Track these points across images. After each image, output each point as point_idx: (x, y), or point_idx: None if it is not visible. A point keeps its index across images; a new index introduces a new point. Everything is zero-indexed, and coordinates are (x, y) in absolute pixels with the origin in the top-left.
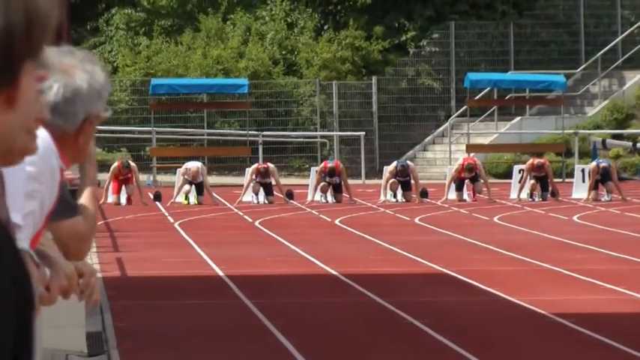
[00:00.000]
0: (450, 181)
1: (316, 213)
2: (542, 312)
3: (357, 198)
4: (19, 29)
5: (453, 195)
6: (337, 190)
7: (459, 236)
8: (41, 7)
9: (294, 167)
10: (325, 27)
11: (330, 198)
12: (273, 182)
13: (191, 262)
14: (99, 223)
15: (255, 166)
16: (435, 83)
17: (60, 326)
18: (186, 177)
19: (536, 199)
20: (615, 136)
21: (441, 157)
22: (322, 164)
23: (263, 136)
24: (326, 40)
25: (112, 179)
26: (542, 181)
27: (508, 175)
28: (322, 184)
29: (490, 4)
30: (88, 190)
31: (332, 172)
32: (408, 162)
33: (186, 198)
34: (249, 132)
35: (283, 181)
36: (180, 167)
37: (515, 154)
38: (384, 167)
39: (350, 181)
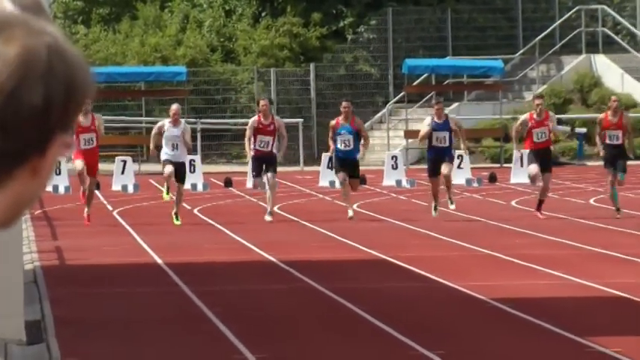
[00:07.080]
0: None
1: (255, 200)
2: (481, 297)
3: (295, 185)
4: (57, 103)
5: (391, 181)
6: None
7: (397, 222)
8: (80, 83)
9: (233, 155)
10: (263, 14)
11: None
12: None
13: (130, 250)
14: (37, 211)
15: (254, 118)
16: (372, 69)
17: None
18: (162, 131)
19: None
20: None
21: (379, 142)
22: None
23: (201, 123)
24: (264, 27)
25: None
26: None
27: None
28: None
29: None
30: None
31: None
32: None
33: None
34: (188, 119)
35: (222, 168)
36: (119, 155)
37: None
38: (323, 154)
39: (288, 168)
